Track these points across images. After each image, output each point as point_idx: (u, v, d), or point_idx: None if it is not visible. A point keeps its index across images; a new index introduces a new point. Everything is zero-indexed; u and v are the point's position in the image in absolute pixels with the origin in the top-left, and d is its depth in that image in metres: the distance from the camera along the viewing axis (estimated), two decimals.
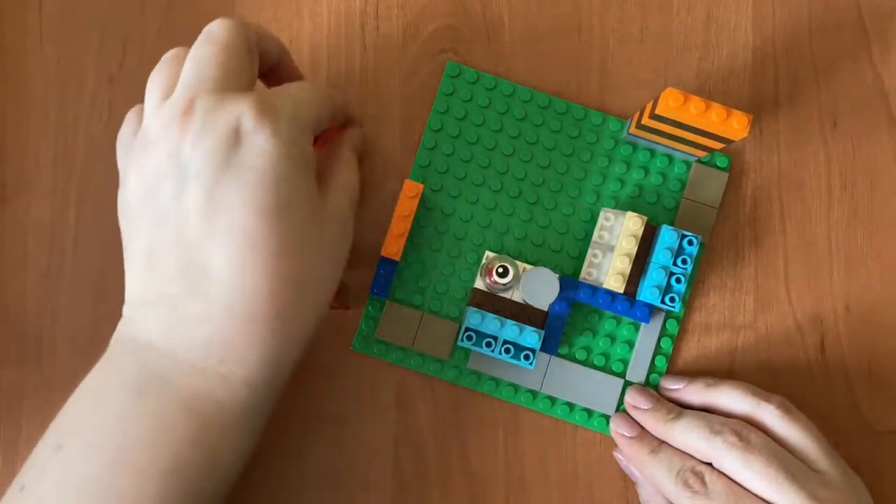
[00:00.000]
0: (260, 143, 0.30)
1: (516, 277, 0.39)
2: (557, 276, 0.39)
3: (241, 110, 0.30)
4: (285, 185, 0.30)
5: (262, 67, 0.35)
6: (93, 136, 0.42)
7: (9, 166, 0.42)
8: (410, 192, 0.39)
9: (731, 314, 0.43)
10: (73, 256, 0.42)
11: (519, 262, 0.40)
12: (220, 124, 0.29)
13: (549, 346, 0.41)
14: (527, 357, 0.39)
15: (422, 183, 0.41)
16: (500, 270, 0.39)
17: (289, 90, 0.33)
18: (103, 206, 0.42)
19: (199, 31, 0.43)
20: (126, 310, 0.32)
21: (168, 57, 0.34)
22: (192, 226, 0.29)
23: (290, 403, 0.41)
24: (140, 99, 0.42)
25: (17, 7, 0.43)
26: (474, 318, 0.39)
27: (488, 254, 0.41)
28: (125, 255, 0.32)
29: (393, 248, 0.39)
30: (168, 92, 0.32)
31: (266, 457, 0.41)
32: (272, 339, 0.30)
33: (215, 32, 0.32)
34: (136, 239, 0.31)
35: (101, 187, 0.42)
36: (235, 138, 0.29)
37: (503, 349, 0.39)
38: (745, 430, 0.36)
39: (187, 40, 0.43)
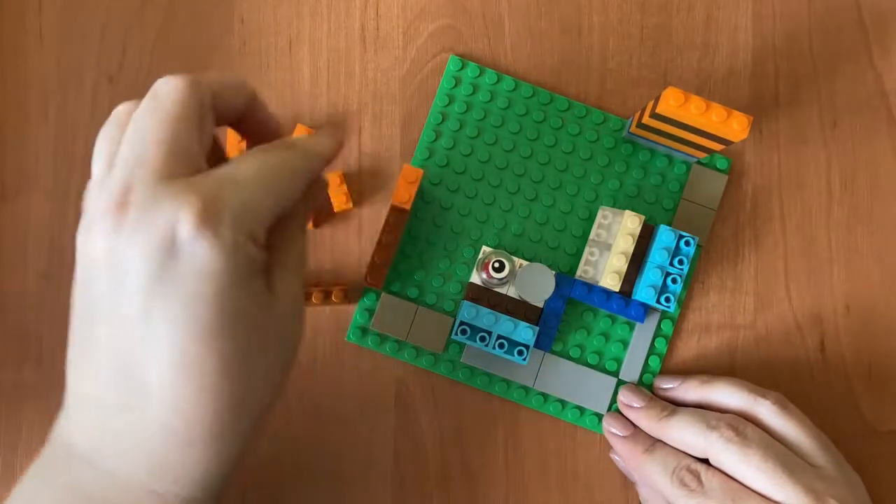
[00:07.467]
0: (198, 257, 0.26)
1: (512, 273, 0.39)
2: (553, 272, 0.39)
3: (179, 214, 0.26)
4: (228, 303, 0.26)
5: (227, 119, 0.31)
6: (93, 136, 0.42)
7: (9, 166, 0.42)
8: (409, 178, 0.39)
9: (731, 314, 0.42)
10: (72, 256, 0.42)
11: (515, 258, 0.39)
12: (154, 228, 0.26)
13: (543, 343, 0.41)
14: (520, 353, 0.39)
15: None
16: (497, 265, 0.39)
17: (241, 174, 0.28)
18: None
19: (198, 32, 0.43)
20: (67, 399, 0.29)
21: (116, 114, 0.30)
22: (128, 334, 0.27)
23: (290, 405, 0.41)
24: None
25: (17, 7, 0.43)
26: (469, 312, 0.39)
27: (485, 248, 0.41)
28: (69, 330, 0.30)
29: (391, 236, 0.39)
30: (112, 160, 0.29)
31: (267, 457, 0.41)
32: (212, 459, 0.28)
33: (162, 96, 0.28)
34: (74, 324, 0.29)
35: None
36: (172, 246, 0.26)
37: (497, 344, 0.39)
38: (742, 424, 0.36)
39: (187, 40, 0.43)
